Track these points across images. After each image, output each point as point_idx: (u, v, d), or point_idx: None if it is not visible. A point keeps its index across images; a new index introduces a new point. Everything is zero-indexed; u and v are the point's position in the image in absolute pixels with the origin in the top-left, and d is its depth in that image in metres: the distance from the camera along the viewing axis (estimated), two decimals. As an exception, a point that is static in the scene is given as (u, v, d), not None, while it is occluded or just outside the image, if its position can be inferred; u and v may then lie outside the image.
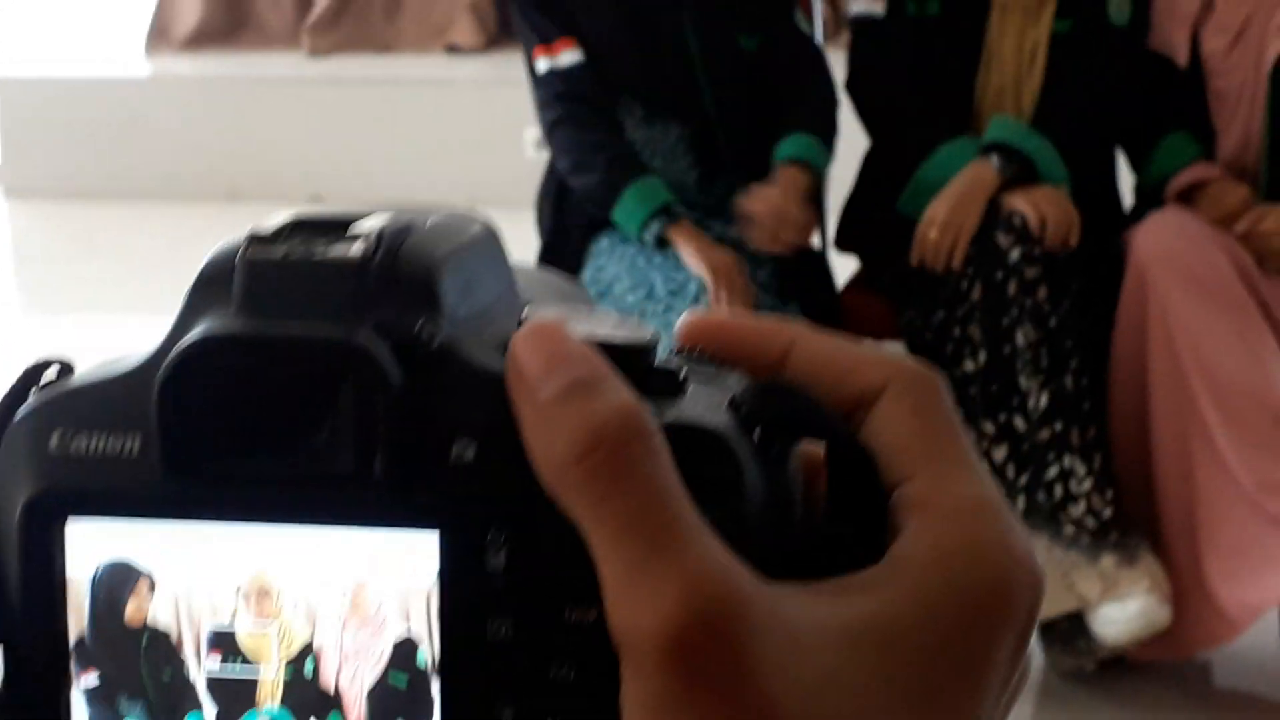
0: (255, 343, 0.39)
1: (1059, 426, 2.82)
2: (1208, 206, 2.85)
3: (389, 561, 0.39)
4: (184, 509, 0.39)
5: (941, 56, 3.05)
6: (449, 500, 0.38)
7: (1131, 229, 2.89)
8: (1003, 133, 2.95)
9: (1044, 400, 2.81)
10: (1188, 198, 2.90)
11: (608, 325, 0.39)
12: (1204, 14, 2.90)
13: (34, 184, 5.70)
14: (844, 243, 3.21)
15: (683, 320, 0.42)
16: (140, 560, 0.40)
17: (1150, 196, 2.98)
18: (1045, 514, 2.84)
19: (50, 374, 0.42)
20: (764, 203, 2.93)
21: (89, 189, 5.61)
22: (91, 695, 0.40)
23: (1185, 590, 2.79)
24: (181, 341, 0.39)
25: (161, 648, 0.40)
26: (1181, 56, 2.91)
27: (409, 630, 0.39)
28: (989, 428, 2.86)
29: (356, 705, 0.40)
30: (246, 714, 0.40)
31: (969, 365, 2.88)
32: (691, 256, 2.88)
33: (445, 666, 0.39)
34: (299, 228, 0.40)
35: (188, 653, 0.40)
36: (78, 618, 0.40)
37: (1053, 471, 2.82)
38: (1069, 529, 2.83)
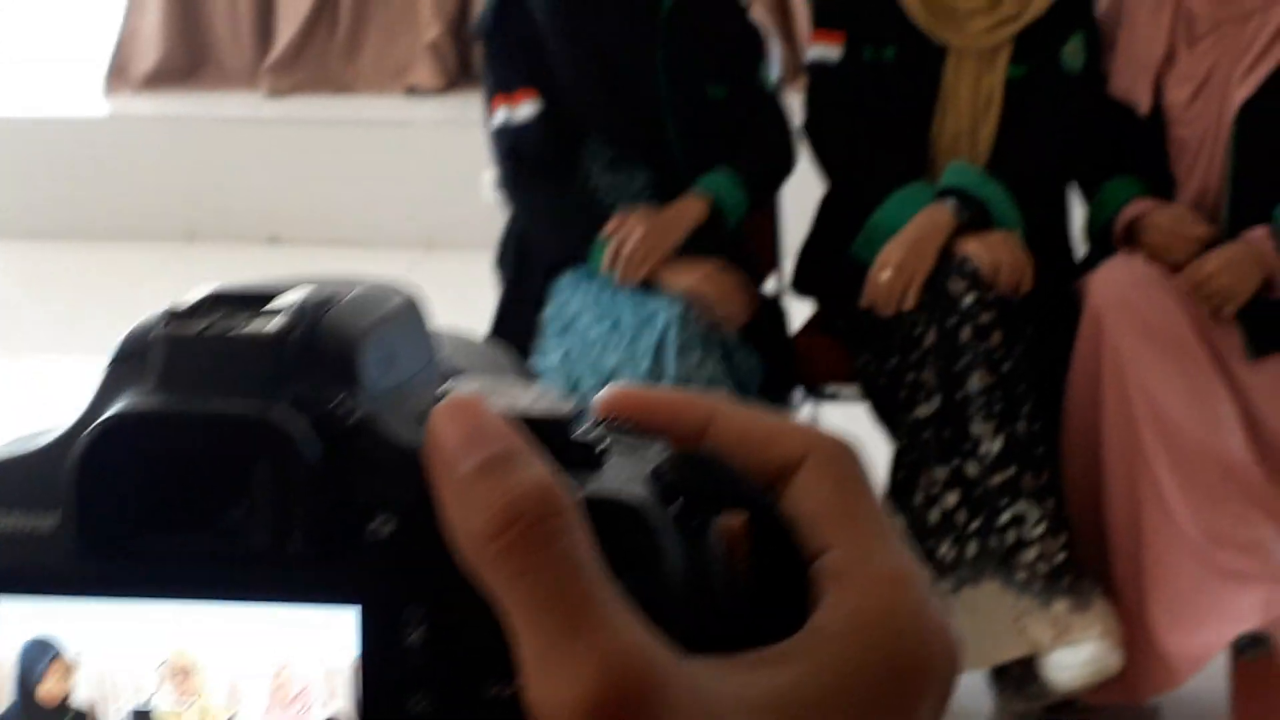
0: (172, 420, 0.39)
1: (1012, 471, 2.83)
2: (1156, 245, 2.87)
3: (309, 638, 0.39)
4: (101, 587, 0.39)
5: (897, 101, 3.07)
6: (367, 576, 0.38)
7: (1086, 276, 2.90)
8: (959, 178, 2.97)
9: (997, 445, 2.82)
10: (1134, 239, 2.92)
11: (529, 397, 0.40)
12: (1167, 64, 2.92)
13: (-9, 223, 5.67)
14: (800, 286, 3.22)
15: (604, 392, 0.43)
16: (61, 638, 0.40)
17: (1098, 240, 3.00)
18: (998, 559, 2.85)
19: None
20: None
21: (46, 229, 5.58)
22: None
23: (1132, 637, 2.80)
24: (98, 418, 0.39)
25: None
26: (1144, 104, 2.93)
27: (331, 708, 0.39)
28: (942, 473, 2.86)
29: None
30: None
31: (922, 410, 2.89)
32: (687, 285, 2.89)
33: None
34: (218, 302, 0.40)
35: None
36: (2, 696, 0.40)
37: (1006, 517, 2.83)
38: (1021, 574, 2.84)
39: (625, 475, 0.39)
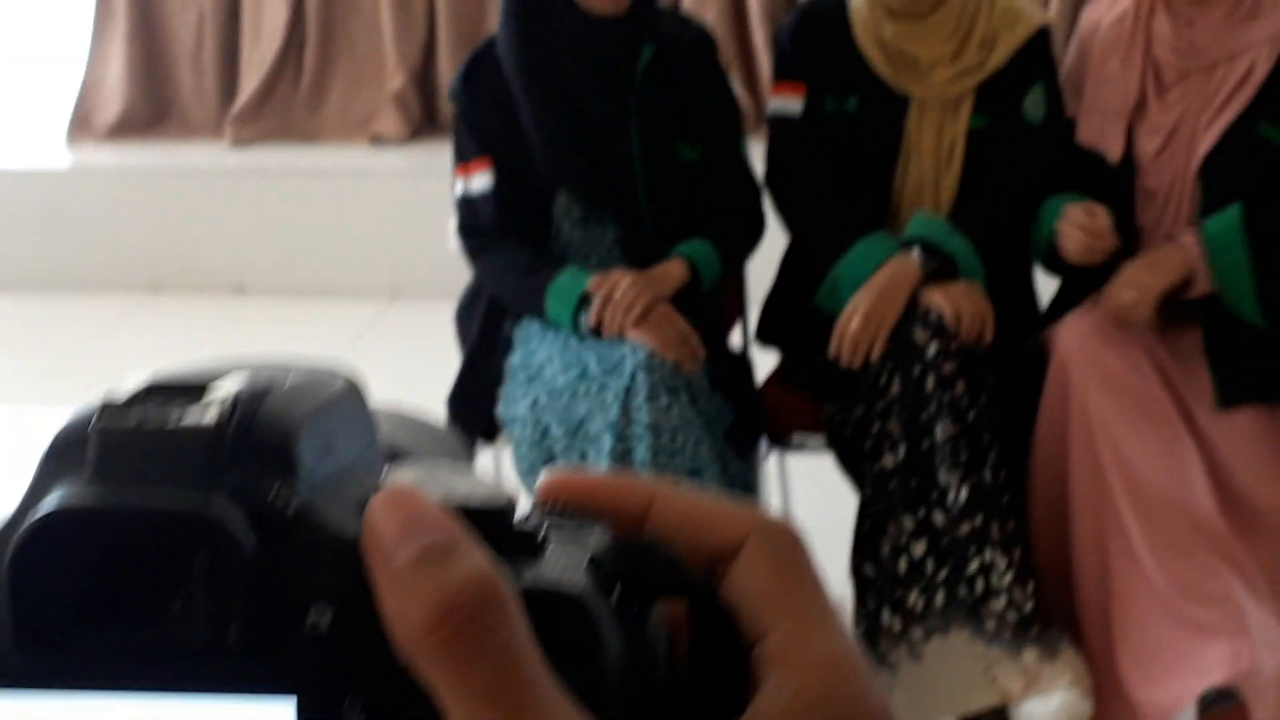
0: (107, 514, 0.38)
1: (979, 521, 2.83)
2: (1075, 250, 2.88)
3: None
4: (39, 680, 0.39)
5: (860, 152, 3.08)
6: (305, 667, 0.38)
7: (1051, 327, 2.91)
8: (924, 229, 2.98)
9: (963, 494, 2.82)
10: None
11: (468, 484, 0.39)
12: (1137, 114, 2.94)
13: (-47, 274, 5.65)
14: (765, 337, 3.22)
15: (544, 477, 0.42)
16: None
17: (1046, 260, 2.99)
18: (967, 608, 2.85)
19: None
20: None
21: (9, 280, 5.57)
22: None
23: (1101, 687, 2.80)
24: (33, 512, 0.39)
25: None
26: (1115, 153, 2.94)
27: None
28: (909, 523, 2.86)
29: None
30: None
31: (888, 460, 2.89)
32: (606, 327, 2.90)
33: None
34: (154, 392, 0.40)
35: None
36: None
37: (973, 566, 2.83)
38: (991, 623, 2.84)
39: (565, 563, 0.39)
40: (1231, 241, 2.80)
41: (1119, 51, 2.95)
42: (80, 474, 0.39)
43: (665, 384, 2.85)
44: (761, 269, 3.24)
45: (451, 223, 3.11)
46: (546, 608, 0.37)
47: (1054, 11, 5.48)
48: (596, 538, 0.40)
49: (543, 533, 0.39)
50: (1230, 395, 2.85)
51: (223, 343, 5.10)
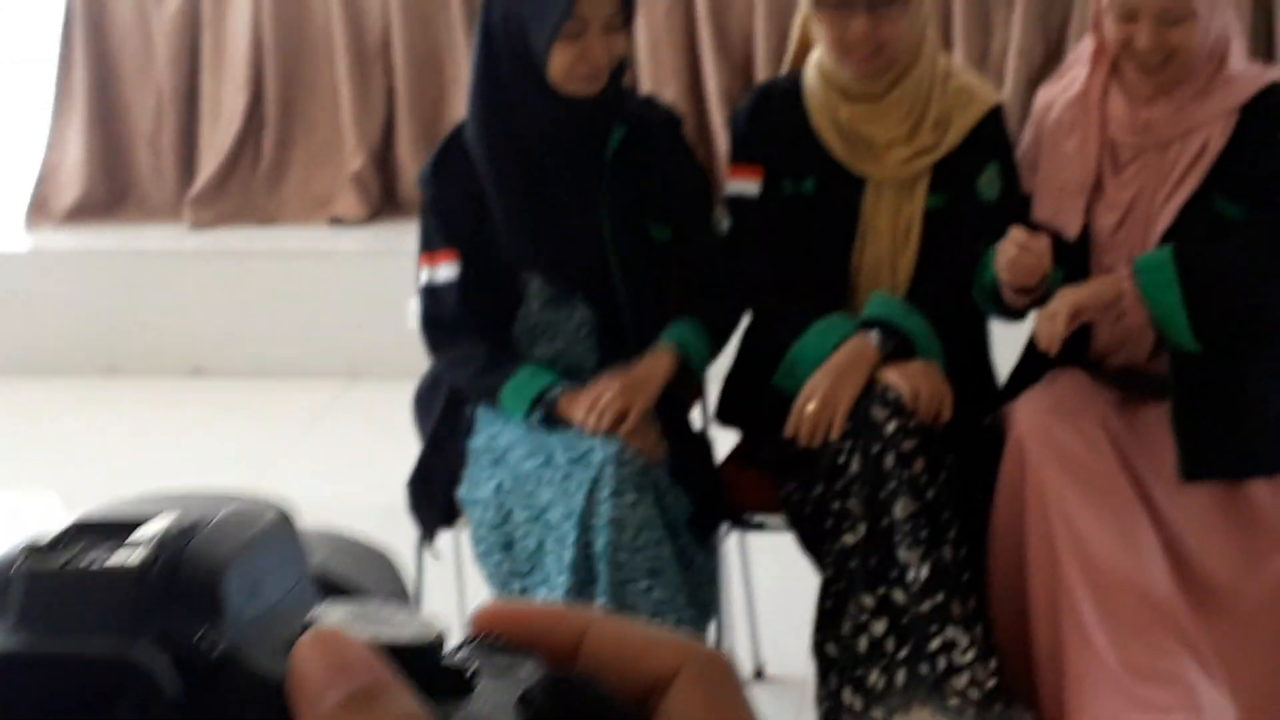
0: (31, 661, 0.38)
1: (940, 598, 2.83)
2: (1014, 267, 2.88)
3: None
4: None
5: (817, 232, 3.09)
6: None
7: (1009, 404, 2.92)
8: (881, 309, 2.99)
9: (924, 572, 2.82)
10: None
11: (397, 620, 0.39)
12: (1095, 192, 2.97)
13: (-91, 358, 5.62)
14: (725, 417, 3.22)
15: (478, 609, 0.42)
16: None
17: (989, 303, 2.99)
18: (929, 686, 2.84)
19: None
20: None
21: (-34, 363, 5.54)
22: None
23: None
24: None
25: None
26: (1073, 229, 2.96)
27: None
28: (869, 601, 2.86)
29: None
30: None
31: (849, 538, 2.89)
32: (586, 423, 2.89)
33: None
34: (81, 533, 0.40)
35: None
36: None
37: (935, 644, 2.82)
38: (954, 700, 2.83)
39: (495, 701, 0.39)
40: (1162, 268, 2.82)
41: (1075, 130, 2.98)
42: (4, 618, 0.38)
43: (633, 480, 2.84)
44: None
45: (412, 302, 3.11)
46: None
47: (1008, 90, 5.52)
48: (528, 672, 0.40)
49: (473, 668, 0.39)
50: (1194, 470, 2.86)
51: (179, 426, 5.08)
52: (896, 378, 2.90)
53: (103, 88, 5.96)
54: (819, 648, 2.93)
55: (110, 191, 5.96)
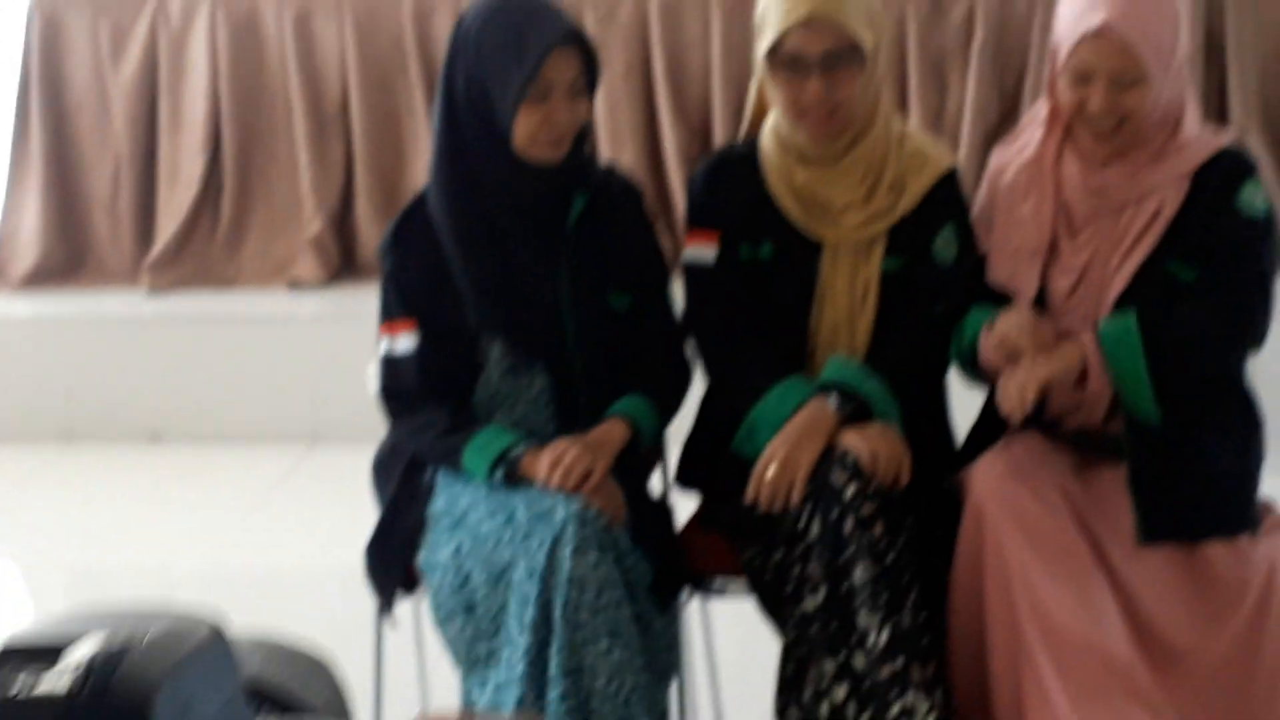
0: None
1: (900, 663, 2.82)
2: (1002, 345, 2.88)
3: None
4: None
5: (775, 296, 3.10)
6: None
7: (966, 468, 2.93)
8: (840, 373, 3.00)
9: (884, 637, 2.82)
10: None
11: None
12: (1051, 255, 2.98)
13: None
14: (685, 481, 3.22)
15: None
16: None
17: (967, 368, 3.00)
18: (890, 751, 2.83)
19: None
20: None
21: (-79, 430, 5.50)
22: None
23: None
24: None
25: None
26: (1029, 292, 2.97)
27: None
28: (830, 666, 2.85)
29: None
30: None
31: (809, 603, 2.88)
32: (550, 479, 2.89)
33: None
34: (8, 657, 0.39)
35: None
36: None
37: (895, 709, 2.81)
38: (915, 765, 2.82)
39: None
40: (1127, 336, 2.83)
41: (1030, 193, 3.00)
42: None
43: (595, 539, 2.83)
44: (681, 413, 3.24)
45: (372, 366, 3.10)
46: None
47: (963, 150, 5.57)
48: None
49: None
50: (1152, 532, 2.87)
51: (138, 493, 5.05)
52: (855, 441, 2.90)
53: (59, 152, 5.95)
54: (781, 713, 2.92)
55: (68, 256, 5.94)
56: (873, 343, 3.07)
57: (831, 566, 2.85)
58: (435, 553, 2.98)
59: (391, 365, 3.05)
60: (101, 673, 0.33)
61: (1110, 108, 2.86)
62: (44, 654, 0.34)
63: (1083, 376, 2.86)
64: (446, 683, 3.15)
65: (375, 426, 3.18)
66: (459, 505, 2.98)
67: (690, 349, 3.17)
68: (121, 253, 5.93)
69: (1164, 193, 2.92)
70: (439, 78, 3.02)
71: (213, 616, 0.38)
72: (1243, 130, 5.48)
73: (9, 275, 5.91)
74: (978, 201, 3.12)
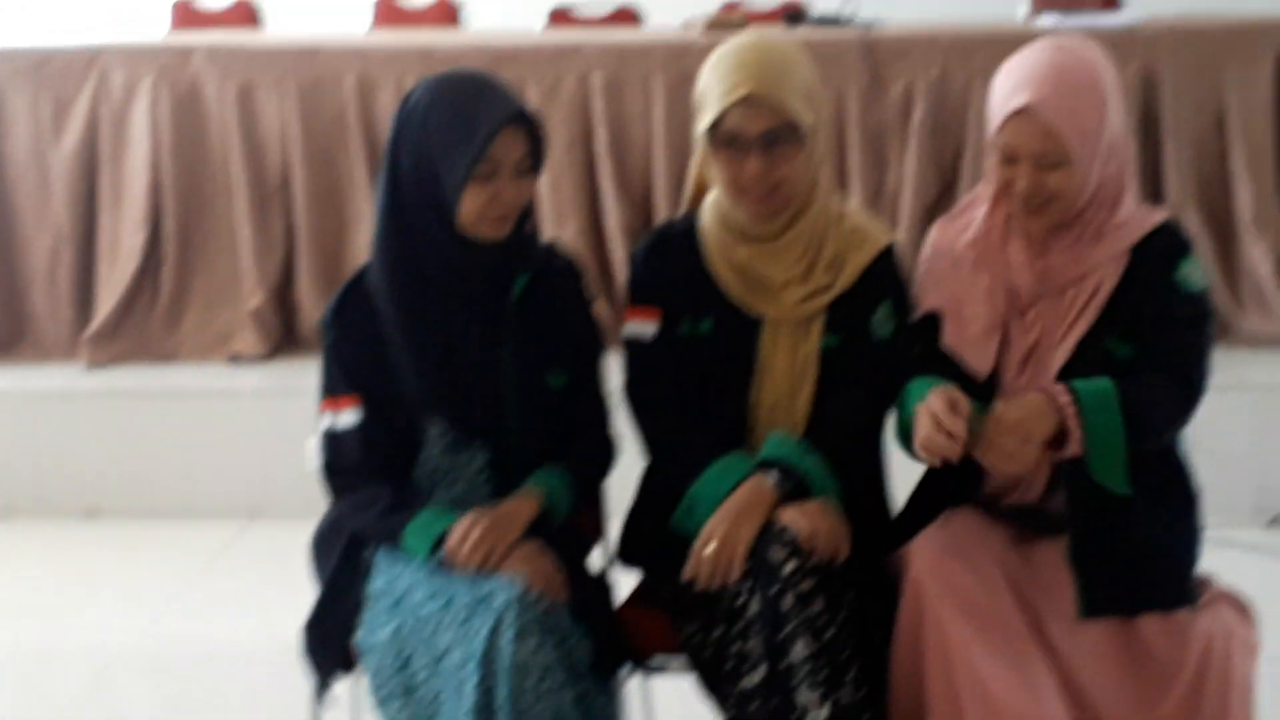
0: None
1: (841, 739, 2.81)
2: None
3: None
4: None
5: (715, 372, 3.11)
6: None
7: (906, 544, 2.93)
8: (779, 450, 3.00)
9: (824, 713, 2.81)
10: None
11: None
12: (1002, 335, 2.99)
13: None
14: (626, 558, 3.22)
15: None
16: None
17: (906, 441, 2.98)
18: (832, 828, 2.82)
19: None
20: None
21: None
22: None
23: None
24: None
25: None
26: (984, 369, 2.98)
27: None
28: (771, 744, 2.84)
29: None
30: None
31: (749, 680, 2.87)
32: (457, 554, 2.89)
33: None
34: None
35: None
36: None
37: (836, 785, 2.81)
38: (856, 842, 2.81)
39: None
40: (1106, 400, 2.82)
41: (980, 273, 3.01)
42: None
43: (536, 623, 2.82)
44: (621, 489, 3.24)
45: (311, 442, 3.09)
46: None
47: (903, 225, 5.61)
48: None
49: None
50: (1093, 606, 2.87)
51: (74, 568, 5.00)
52: (794, 517, 2.90)
53: (-1, 226, 5.92)
54: (722, 791, 2.91)
55: (6, 331, 5.90)
56: (812, 419, 3.08)
57: (771, 643, 2.85)
58: (374, 633, 2.96)
59: (334, 441, 3.04)
60: None
61: (1035, 189, 2.89)
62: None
63: (1060, 439, 2.83)
64: (385, 762, 3.12)
65: (315, 502, 3.17)
66: (399, 585, 2.96)
67: (622, 424, 3.17)
68: (60, 327, 5.89)
69: (1103, 271, 2.94)
70: (383, 153, 3.02)
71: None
72: (1178, 207, 5.54)
73: (-54, 350, 5.86)
74: (918, 268, 3.12)
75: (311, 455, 3.09)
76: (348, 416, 3.02)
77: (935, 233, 3.14)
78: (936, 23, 6.27)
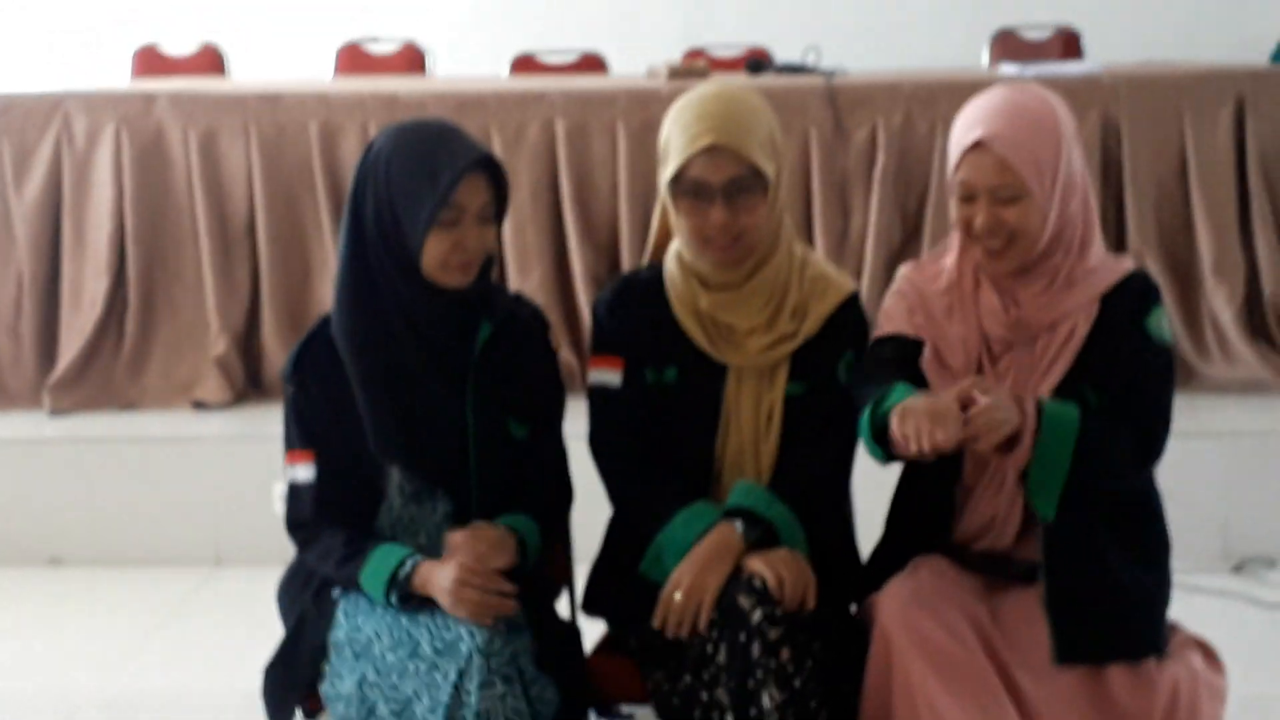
0: None
1: (808, 789, 2.81)
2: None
3: None
4: None
5: (680, 420, 3.11)
6: None
7: (875, 594, 2.93)
8: (746, 498, 3.01)
9: (792, 762, 2.81)
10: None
11: None
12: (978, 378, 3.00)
13: None
14: (592, 607, 3.21)
15: None
16: None
17: (876, 438, 2.91)
18: None
19: None
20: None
21: None
22: None
23: None
24: None
25: None
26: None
27: None
28: (739, 793, 2.84)
29: None
30: None
31: (717, 729, 2.87)
32: (442, 596, 2.87)
33: None
34: None
35: None
36: None
37: (804, 835, 2.81)
38: None
39: None
40: (1066, 420, 2.82)
41: (954, 319, 3.01)
42: None
43: (500, 671, 2.82)
44: (588, 538, 3.24)
45: (279, 486, 3.08)
46: None
47: (866, 271, 5.63)
48: None
49: None
50: (1067, 652, 2.87)
51: (37, 617, 4.97)
52: (761, 566, 2.91)
53: (-39, 275, 5.89)
54: (689, 840, 2.90)
55: (-34, 378, 5.87)
56: (777, 466, 3.09)
57: (739, 692, 2.85)
58: (339, 683, 2.95)
59: (293, 494, 3.05)
60: None
61: (994, 225, 2.90)
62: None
63: (1010, 443, 2.83)
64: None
65: (280, 549, 3.16)
66: (362, 634, 2.96)
67: (587, 472, 3.17)
68: (23, 374, 5.86)
69: (1075, 317, 2.95)
70: (347, 200, 3.02)
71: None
72: (1139, 254, 5.57)
73: (-93, 398, 5.82)
74: (885, 300, 3.11)
75: (279, 500, 3.10)
76: (303, 471, 3.03)
77: (906, 269, 3.12)
78: (899, 71, 6.30)
